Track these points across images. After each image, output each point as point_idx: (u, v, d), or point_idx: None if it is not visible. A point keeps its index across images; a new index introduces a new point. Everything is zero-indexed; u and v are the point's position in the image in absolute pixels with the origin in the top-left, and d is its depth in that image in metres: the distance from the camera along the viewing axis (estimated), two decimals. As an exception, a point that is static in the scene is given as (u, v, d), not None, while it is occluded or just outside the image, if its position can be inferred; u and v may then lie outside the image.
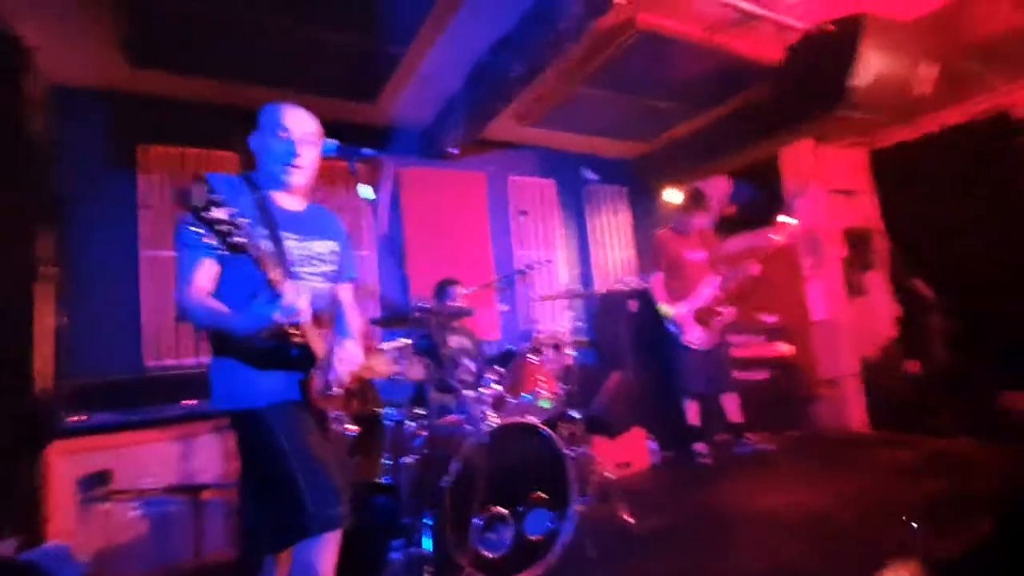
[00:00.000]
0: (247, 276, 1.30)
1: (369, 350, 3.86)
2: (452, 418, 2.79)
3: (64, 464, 2.63)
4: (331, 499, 1.47)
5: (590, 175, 5.37)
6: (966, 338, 4.55)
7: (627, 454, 3.92)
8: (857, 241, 5.15)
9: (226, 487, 2.90)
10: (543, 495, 2.45)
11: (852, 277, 5.03)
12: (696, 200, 4.13)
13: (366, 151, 1.71)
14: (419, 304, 2.59)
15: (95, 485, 2.64)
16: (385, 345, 2.98)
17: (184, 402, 2.96)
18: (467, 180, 4.87)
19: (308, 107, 1.71)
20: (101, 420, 2.76)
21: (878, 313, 5.17)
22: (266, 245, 1.52)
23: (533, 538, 2.40)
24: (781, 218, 3.97)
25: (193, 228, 1.11)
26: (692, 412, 4.04)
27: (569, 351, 3.39)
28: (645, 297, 4.31)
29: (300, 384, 1.54)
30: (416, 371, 2.88)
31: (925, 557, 2.03)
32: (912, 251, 5.05)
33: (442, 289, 3.78)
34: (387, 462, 2.69)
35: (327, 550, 1.48)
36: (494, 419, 2.46)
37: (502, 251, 4.99)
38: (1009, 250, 4.21)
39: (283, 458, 1.47)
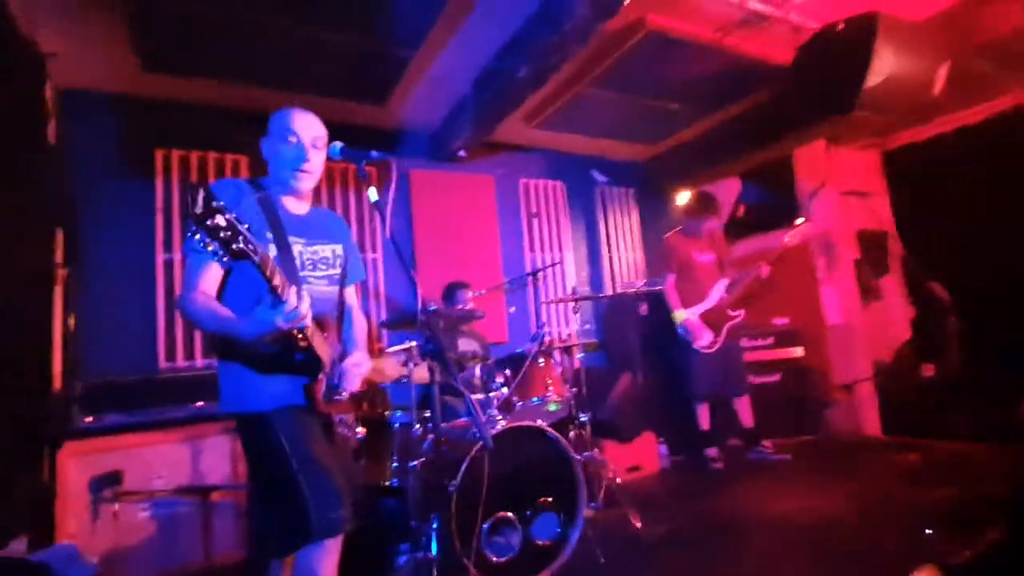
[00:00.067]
0: (251, 281, 1.30)
1: (376, 353, 3.87)
2: (460, 421, 2.78)
3: (76, 465, 2.66)
4: (334, 503, 1.47)
5: (600, 177, 5.36)
6: (982, 341, 4.47)
7: (637, 458, 3.89)
8: (871, 243, 5.09)
9: (235, 489, 2.91)
10: (551, 499, 2.44)
11: (866, 280, 4.97)
12: (705, 203, 4.10)
13: (373, 153, 1.71)
14: (427, 307, 2.59)
15: (106, 486, 2.66)
16: (392, 348, 2.99)
17: (196, 404, 2.98)
18: (476, 183, 4.88)
19: (318, 109, 1.72)
20: (112, 421, 2.79)
21: (892, 316, 5.10)
22: (271, 250, 1.53)
23: (541, 543, 2.38)
24: (796, 221, 3.93)
25: (194, 235, 1.11)
26: (703, 416, 4.00)
27: (578, 354, 3.38)
28: (655, 300, 4.28)
29: (305, 388, 1.55)
30: (424, 374, 2.88)
31: (940, 564, 1.99)
32: (927, 253, 4.98)
33: (451, 292, 3.79)
34: (395, 465, 2.69)
35: (329, 555, 1.48)
36: (502, 422, 2.45)
37: (511, 254, 4.99)
38: (1026, 252, 4.14)
39: (287, 462, 1.47)
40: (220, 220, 1.13)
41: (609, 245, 5.55)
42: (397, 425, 2.75)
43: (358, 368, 1.66)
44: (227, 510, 2.88)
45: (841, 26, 3.30)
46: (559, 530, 2.43)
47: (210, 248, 1.14)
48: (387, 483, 2.64)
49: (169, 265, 3.52)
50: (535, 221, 5.12)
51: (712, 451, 3.95)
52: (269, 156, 1.67)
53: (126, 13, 2.80)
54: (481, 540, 2.20)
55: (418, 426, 2.65)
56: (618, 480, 3.16)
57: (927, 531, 2.40)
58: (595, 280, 5.44)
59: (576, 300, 3.57)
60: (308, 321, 1.40)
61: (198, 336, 3.56)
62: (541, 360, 3.01)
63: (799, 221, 3.93)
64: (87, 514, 2.61)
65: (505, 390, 2.78)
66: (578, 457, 2.59)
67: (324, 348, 1.57)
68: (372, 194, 1.66)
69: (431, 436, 2.60)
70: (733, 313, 3.96)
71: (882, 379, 4.63)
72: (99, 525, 2.61)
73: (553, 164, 5.30)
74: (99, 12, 2.78)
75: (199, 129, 3.72)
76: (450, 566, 2.14)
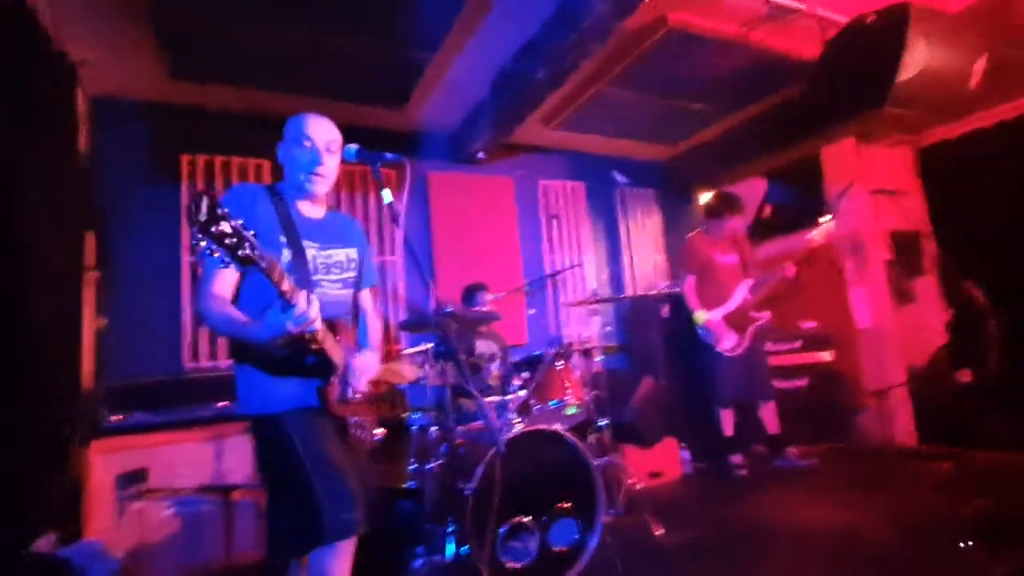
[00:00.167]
0: (264, 285, 1.31)
1: (393, 355, 3.88)
2: (477, 424, 2.77)
3: (103, 462, 2.72)
4: (347, 505, 1.47)
5: (620, 178, 5.29)
6: (1022, 345, 4.28)
7: (658, 463, 3.82)
8: (904, 244, 4.91)
9: (256, 488, 2.94)
10: (569, 505, 2.40)
11: (899, 282, 4.79)
12: (726, 203, 4.00)
13: (389, 155, 1.71)
14: (445, 309, 2.59)
15: (131, 483, 2.72)
16: (409, 350, 2.99)
17: (219, 404, 3.03)
18: (495, 184, 4.87)
19: (338, 114, 1.74)
20: (138, 420, 2.85)
21: (927, 319, 4.91)
22: (284, 254, 1.55)
23: (558, 549, 2.34)
24: (821, 219, 3.82)
25: (200, 242, 1.12)
26: (727, 421, 3.91)
27: (598, 357, 3.33)
28: (677, 302, 4.21)
29: (318, 391, 1.55)
30: (441, 376, 2.88)
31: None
32: (963, 254, 4.79)
33: (470, 294, 3.78)
34: (412, 467, 2.69)
35: (341, 557, 1.48)
36: (519, 425, 2.42)
37: (531, 255, 4.96)
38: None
39: (300, 463, 1.48)
40: (225, 227, 1.13)
41: (630, 247, 5.48)
42: (415, 427, 2.75)
43: (364, 368, 1.66)
44: (248, 509, 2.92)
45: (871, 18, 3.18)
46: (577, 536, 2.39)
47: (215, 255, 1.14)
48: (404, 485, 2.64)
49: (194, 268, 3.60)
50: (555, 222, 5.09)
51: (736, 458, 3.85)
52: (284, 161, 1.69)
53: (152, 23, 2.87)
54: (498, 545, 2.17)
55: (435, 428, 2.64)
56: (638, 486, 3.11)
57: (962, 544, 2.29)
58: (616, 282, 5.38)
59: (596, 302, 3.52)
60: (318, 325, 1.40)
61: (222, 337, 3.63)
62: (560, 363, 2.98)
63: (824, 219, 3.81)
64: (113, 511, 2.67)
65: (523, 393, 2.76)
66: (596, 462, 2.54)
67: (337, 351, 1.57)
68: (387, 195, 1.66)
69: (448, 439, 2.59)
70: (757, 315, 3.86)
71: (916, 385, 4.45)
72: (124, 522, 2.67)
73: (573, 165, 5.26)
74: (127, 22, 2.85)
75: (223, 134, 3.80)
76: (465, 570, 2.12)
